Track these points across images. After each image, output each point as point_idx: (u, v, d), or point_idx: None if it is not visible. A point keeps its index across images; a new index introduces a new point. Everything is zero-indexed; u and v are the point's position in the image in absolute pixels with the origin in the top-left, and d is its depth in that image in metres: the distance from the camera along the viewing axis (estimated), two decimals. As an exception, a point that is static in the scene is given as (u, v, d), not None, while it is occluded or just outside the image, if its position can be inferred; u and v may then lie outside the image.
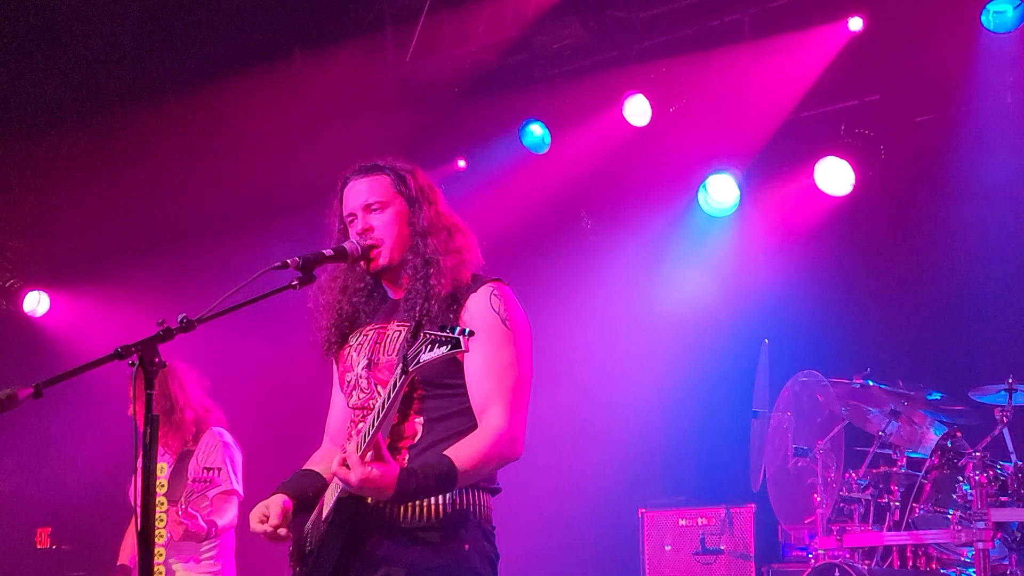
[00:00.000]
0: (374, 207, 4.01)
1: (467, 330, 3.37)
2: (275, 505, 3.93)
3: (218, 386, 9.21)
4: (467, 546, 3.85)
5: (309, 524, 3.97)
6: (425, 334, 3.43)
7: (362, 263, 4.00)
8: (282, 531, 3.90)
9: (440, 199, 4.12)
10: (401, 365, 3.48)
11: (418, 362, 3.42)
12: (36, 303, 10.11)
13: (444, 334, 3.39)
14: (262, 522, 3.90)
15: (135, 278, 9.43)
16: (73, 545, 9.73)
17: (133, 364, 3.35)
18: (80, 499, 9.70)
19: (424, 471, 3.67)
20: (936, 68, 8.09)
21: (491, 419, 3.82)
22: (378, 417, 3.60)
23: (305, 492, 4.01)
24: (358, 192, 4.04)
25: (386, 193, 4.02)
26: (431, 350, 3.40)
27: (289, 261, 3.82)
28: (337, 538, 3.82)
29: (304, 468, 4.18)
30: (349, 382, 4.04)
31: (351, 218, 4.04)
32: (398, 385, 3.53)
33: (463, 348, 3.35)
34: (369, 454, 3.57)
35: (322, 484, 4.04)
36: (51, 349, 9.88)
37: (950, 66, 8.03)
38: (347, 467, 3.58)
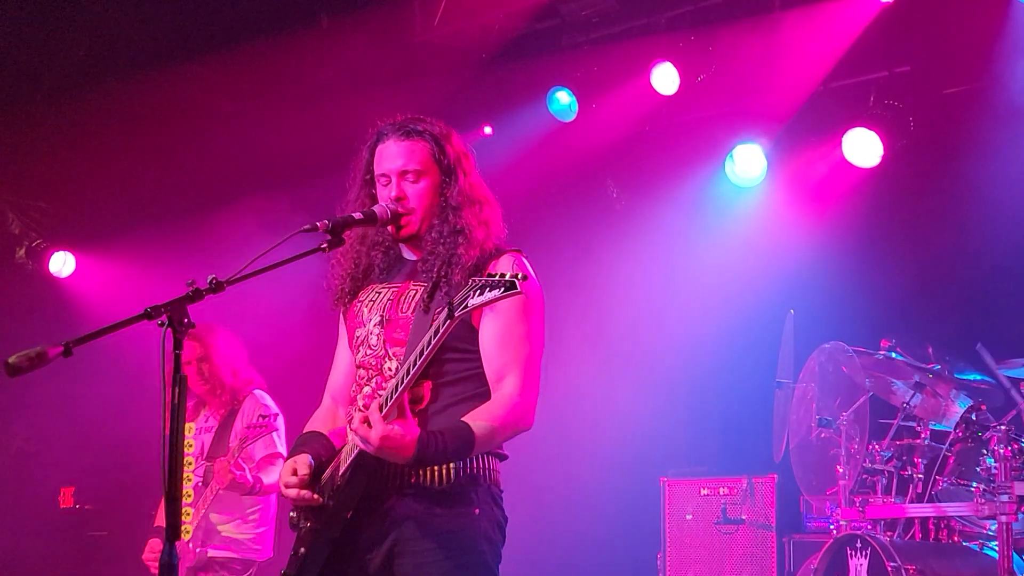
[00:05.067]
0: (410, 176, 4.00)
1: (520, 274, 3.37)
2: (303, 461, 3.96)
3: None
4: (477, 510, 3.90)
5: (322, 483, 3.98)
6: (473, 280, 3.44)
7: (390, 227, 4.00)
8: (308, 493, 3.91)
9: (473, 168, 4.12)
10: (447, 310, 3.48)
11: (465, 307, 3.43)
12: (62, 264, 10.14)
13: (496, 279, 3.38)
14: (295, 473, 3.91)
15: (161, 240, 9.46)
16: (96, 504, 9.81)
17: (162, 324, 3.36)
18: (103, 459, 9.76)
19: (444, 436, 3.70)
20: (967, 40, 8.02)
21: (506, 388, 3.85)
22: (413, 366, 3.62)
23: (319, 455, 4.03)
24: (395, 155, 4.03)
25: (424, 162, 4.02)
26: (480, 295, 3.40)
27: (319, 224, 3.84)
28: (352, 498, 3.85)
29: (309, 431, 4.19)
30: (358, 338, 4.05)
31: (384, 179, 4.03)
32: (440, 331, 3.54)
33: (518, 291, 3.35)
34: (393, 413, 3.59)
35: (330, 446, 4.06)
36: (77, 310, 9.92)
37: (981, 38, 7.96)
38: (368, 425, 3.59)
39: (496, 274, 3.42)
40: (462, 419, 3.77)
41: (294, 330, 9.08)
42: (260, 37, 8.99)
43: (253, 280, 3.68)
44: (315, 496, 3.91)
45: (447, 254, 3.92)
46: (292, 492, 3.92)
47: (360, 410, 3.81)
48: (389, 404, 3.61)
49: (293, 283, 6.94)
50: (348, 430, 4.03)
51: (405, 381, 3.61)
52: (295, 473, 3.93)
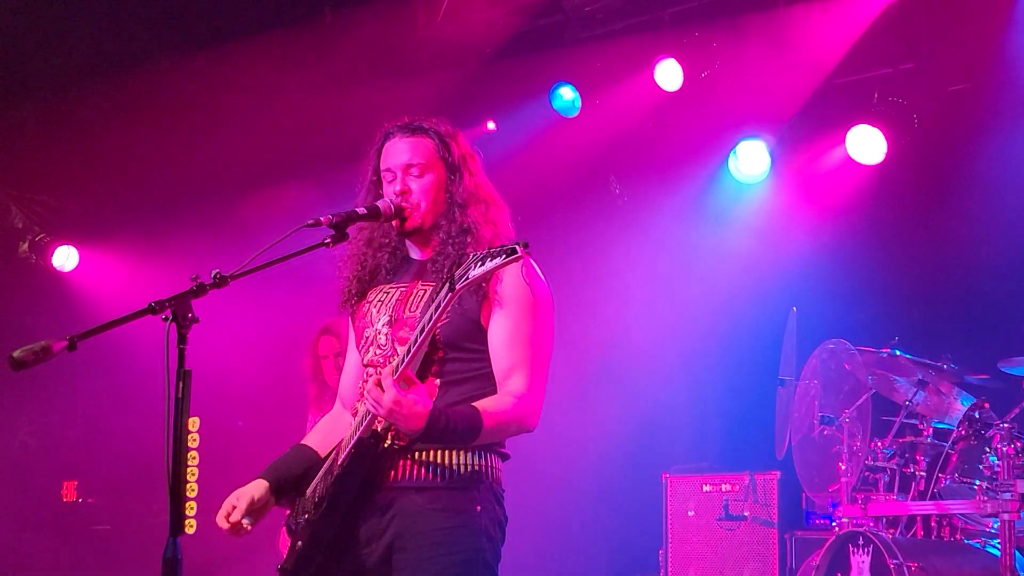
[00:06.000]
0: (414, 170, 4.00)
1: (523, 242, 3.35)
2: (244, 497, 3.96)
3: (232, 344, 9.27)
4: (479, 507, 3.87)
5: (319, 476, 3.97)
6: (474, 254, 3.42)
7: (394, 222, 4.00)
8: (246, 522, 3.93)
9: (479, 168, 4.10)
10: (448, 283, 3.47)
11: (466, 278, 3.41)
12: (65, 258, 10.13)
13: (496, 249, 3.35)
14: (227, 515, 3.93)
15: (164, 234, 9.46)
16: (98, 498, 9.83)
17: (166, 319, 3.36)
18: (106, 453, 9.77)
19: (454, 416, 3.69)
20: (971, 37, 8.02)
21: (514, 386, 3.83)
22: (415, 342, 3.60)
23: (292, 472, 4.03)
24: (400, 151, 4.02)
25: (428, 157, 4.01)
26: (481, 265, 3.38)
27: (323, 219, 3.82)
28: (351, 485, 3.83)
29: (300, 443, 4.18)
30: (367, 338, 4.03)
31: (389, 175, 4.03)
32: (442, 305, 3.52)
33: (519, 255, 3.34)
34: (402, 383, 3.59)
35: (315, 457, 4.06)
36: (80, 304, 9.92)
37: (985, 35, 7.96)
38: (381, 389, 3.58)
39: (497, 246, 3.41)
40: (473, 405, 3.76)
41: (297, 329, 9.08)
42: (264, 31, 9.00)
43: (257, 276, 3.68)
44: (244, 522, 3.93)
45: (456, 255, 3.90)
46: (223, 523, 3.95)
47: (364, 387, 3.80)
48: (399, 371, 3.59)
49: (296, 282, 6.96)
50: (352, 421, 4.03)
51: (409, 356, 3.60)
52: (234, 504, 3.95)
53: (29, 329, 9.34)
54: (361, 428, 3.79)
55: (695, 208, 9.29)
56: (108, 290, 9.87)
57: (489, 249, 3.41)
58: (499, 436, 3.88)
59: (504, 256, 3.35)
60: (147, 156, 9.36)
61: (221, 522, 3.95)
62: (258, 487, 3.99)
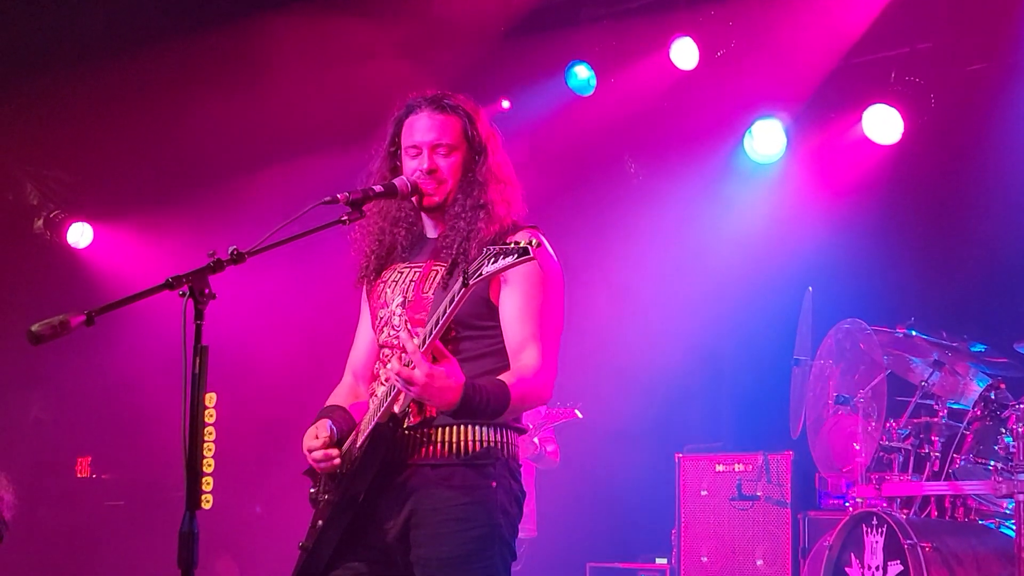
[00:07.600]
0: (442, 149, 4.00)
1: (534, 240, 3.36)
2: (323, 426, 3.97)
3: (250, 320, 9.29)
4: (495, 483, 3.88)
5: (342, 455, 3.97)
6: (487, 249, 3.42)
7: (414, 198, 4.00)
8: (334, 451, 3.92)
9: (500, 147, 4.11)
10: (461, 279, 3.47)
11: (480, 274, 3.41)
12: (80, 235, 10.13)
13: (509, 247, 3.37)
14: (317, 437, 3.93)
15: (179, 211, 9.44)
16: (113, 474, 9.85)
17: (183, 295, 3.36)
18: (120, 429, 9.79)
19: (485, 390, 3.68)
20: (989, 16, 8.00)
21: (527, 359, 3.83)
22: (429, 335, 3.60)
23: (340, 426, 4.03)
24: (428, 128, 4.01)
25: (456, 138, 4.01)
26: (494, 262, 3.38)
27: (339, 196, 3.82)
28: (369, 468, 3.84)
29: (330, 404, 4.18)
30: (381, 318, 4.04)
31: (414, 150, 4.02)
32: (456, 299, 3.52)
33: (531, 257, 3.34)
34: (432, 356, 3.59)
35: (350, 419, 4.06)
36: (94, 281, 9.92)
37: (1003, 14, 7.94)
38: (407, 367, 3.57)
39: (510, 242, 3.41)
40: (499, 378, 3.75)
41: (313, 305, 9.09)
42: (278, 8, 8.97)
43: (272, 252, 3.68)
44: (336, 458, 3.92)
45: (467, 229, 3.92)
46: (317, 455, 3.93)
47: (382, 380, 3.79)
48: (424, 347, 3.60)
49: (310, 259, 6.95)
50: (370, 402, 4.03)
51: (437, 328, 3.61)
52: (316, 437, 3.94)
53: (43, 306, 9.32)
54: (379, 414, 3.81)
55: (710, 188, 9.27)
56: (123, 267, 9.86)
57: (503, 245, 3.41)
58: (520, 411, 3.88)
59: (516, 255, 3.35)
60: (162, 132, 9.33)
61: (312, 443, 3.94)
62: (329, 423, 4.00)
